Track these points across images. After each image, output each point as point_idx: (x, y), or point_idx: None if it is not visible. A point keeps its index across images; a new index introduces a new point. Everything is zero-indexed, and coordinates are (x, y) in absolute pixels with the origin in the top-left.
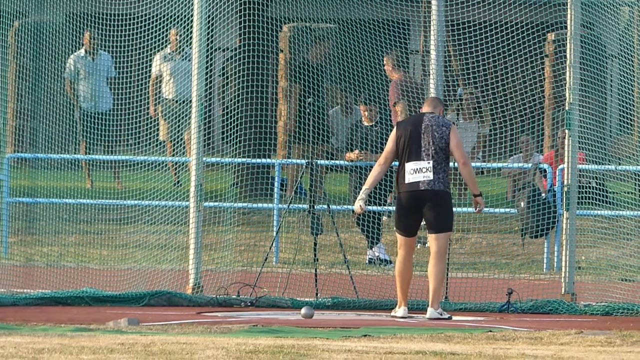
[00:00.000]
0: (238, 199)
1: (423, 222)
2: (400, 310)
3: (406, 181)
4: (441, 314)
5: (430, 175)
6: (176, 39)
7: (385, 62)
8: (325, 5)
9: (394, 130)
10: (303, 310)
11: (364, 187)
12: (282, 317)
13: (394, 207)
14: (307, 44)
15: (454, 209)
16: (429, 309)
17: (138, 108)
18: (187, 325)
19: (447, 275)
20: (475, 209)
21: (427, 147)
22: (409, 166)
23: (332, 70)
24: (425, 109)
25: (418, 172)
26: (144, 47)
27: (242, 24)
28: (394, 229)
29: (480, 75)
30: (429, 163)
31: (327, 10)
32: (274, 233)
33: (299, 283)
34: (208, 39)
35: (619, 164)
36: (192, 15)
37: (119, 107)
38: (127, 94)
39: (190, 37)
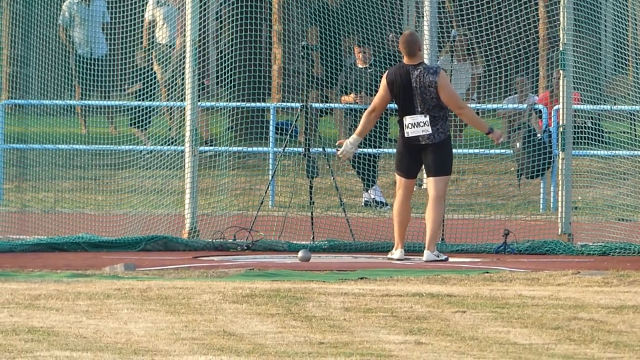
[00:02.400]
0: (233, 143)
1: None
2: (396, 253)
3: (405, 135)
4: (438, 256)
5: (428, 129)
6: None
7: None
8: None
9: (384, 81)
10: (300, 254)
11: (355, 135)
12: (278, 261)
13: (395, 149)
14: None
15: None
16: (426, 252)
17: (132, 53)
18: (184, 270)
19: (444, 217)
20: (496, 143)
21: (421, 106)
22: (407, 120)
23: (330, 14)
24: (407, 60)
25: (416, 126)
26: None
27: None
28: (394, 169)
29: (474, 16)
30: (425, 117)
31: None
32: (270, 177)
33: (295, 226)
34: None
35: (614, 104)
36: None
37: (114, 52)
38: (122, 39)
39: None
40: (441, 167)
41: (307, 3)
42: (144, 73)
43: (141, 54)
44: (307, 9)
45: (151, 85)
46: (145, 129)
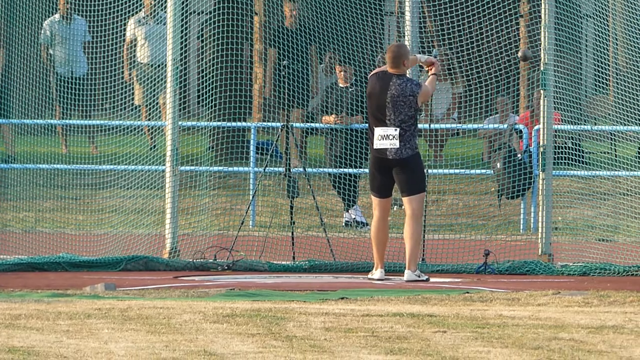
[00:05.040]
0: (214, 162)
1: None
2: (377, 273)
3: (375, 146)
4: (419, 276)
5: (396, 144)
6: (150, 3)
7: None
8: None
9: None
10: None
11: None
12: (259, 281)
13: (369, 168)
14: (280, 9)
15: (430, 171)
16: (406, 271)
17: (113, 73)
18: (164, 290)
19: (424, 237)
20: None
21: (392, 117)
22: (377, 131)
23: (308, 33)
24: (391, 68)
25: (385, 138)
26: (118, 11)
27: None
28: (369, 190)
29: (455, 35)
30: (395, 130)
31: None
32: (251, 197)
33: (276, 246)
34: (182, 2)
35: (595, 124)
36: None
37: (94, 71)
38: (102, 58)
39: (165, 1)
40: (414, 185)
41: (280, 25)
42: None
43: None
44: (283, 29)
45: None
46: None
